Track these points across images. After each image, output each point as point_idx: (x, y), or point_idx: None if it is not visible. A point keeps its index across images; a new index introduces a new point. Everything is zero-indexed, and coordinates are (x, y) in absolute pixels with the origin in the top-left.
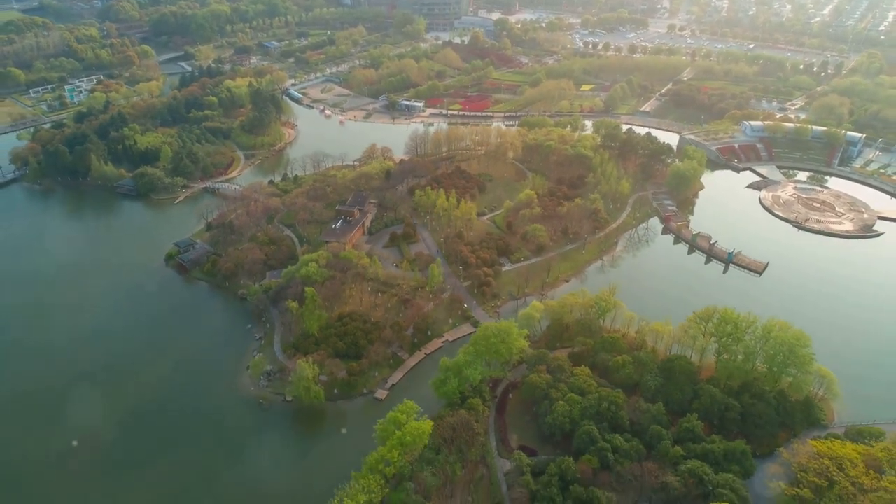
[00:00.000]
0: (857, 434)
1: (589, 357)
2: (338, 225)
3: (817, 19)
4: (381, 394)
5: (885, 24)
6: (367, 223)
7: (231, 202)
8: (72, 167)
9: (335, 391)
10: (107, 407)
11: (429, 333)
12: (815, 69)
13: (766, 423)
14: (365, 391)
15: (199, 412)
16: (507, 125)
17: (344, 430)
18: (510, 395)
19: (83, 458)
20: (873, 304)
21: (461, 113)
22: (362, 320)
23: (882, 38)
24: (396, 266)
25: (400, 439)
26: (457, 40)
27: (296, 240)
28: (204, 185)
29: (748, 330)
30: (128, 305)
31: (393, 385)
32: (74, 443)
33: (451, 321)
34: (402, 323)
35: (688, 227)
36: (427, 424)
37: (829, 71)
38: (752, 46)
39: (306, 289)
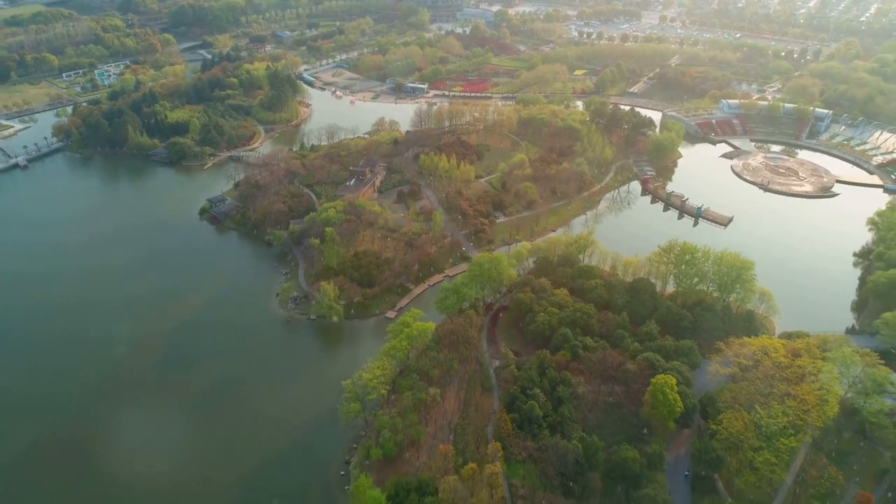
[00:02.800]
0: (787, 337)
1: (568, 282)
2: (351, 183)
3: (803, 11)
4: (391, 314)
5: (867, 15)
6: (378, 183)
7: (255, 166)
8: (110, 138)
9: (352, 312)
10: (160, 321)
11: (431, 270)
12: (795, 56)
13: (713, 329)
14: (377, 312)
15: (236, 329)
16: (504, 105)
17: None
18: (501, 315)
19: (145, 356)
20: (822, 248)
21: (462, 94)
22: (375, 257)
23: (863, 27)
24: (403, 216)
25: (407, 334)
26: (459, 30)
27: (314, 197)
28: (229, 154)
29: (703, 259)
30: (169, 248)
31: (401, 308)
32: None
33: (450, 260)
34: (409, 261)
35: (664, 188)
36: (430, 325)
37: (808, 58)
38: (738, 36)
39: (326, 229)
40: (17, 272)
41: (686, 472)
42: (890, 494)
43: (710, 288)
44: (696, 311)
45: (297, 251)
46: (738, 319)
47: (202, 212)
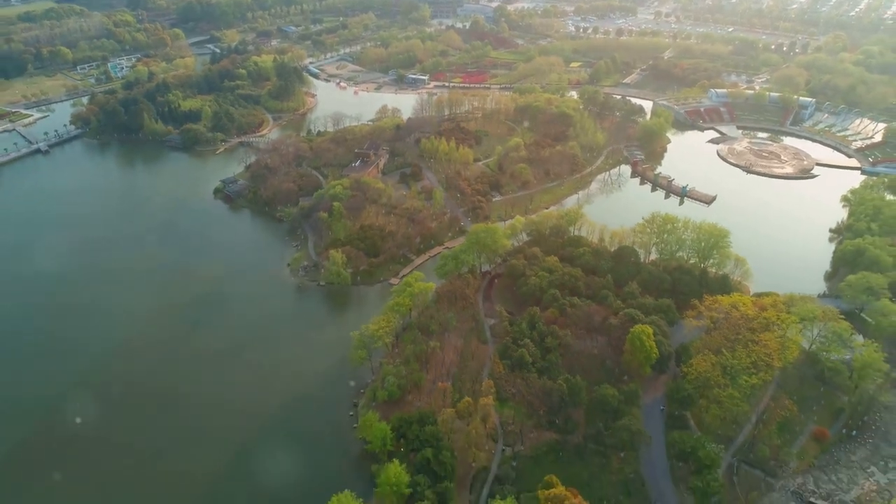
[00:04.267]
0: (757, 296)
1: (558, 250)
2: (357, 164)
3: (795, 6)
4: (394, 281)
5: (858, 10)
6: (381, 165)
7: (265, 151)
8: (126, 125)
9: (358, 279)
10: (181, 287)
11: (432, 242)
12: (784, 49)
13: (691, 291)
14: (381, 279)
15: (251, 295)
16: (501, 94)
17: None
18: (496, 281)
19: (168, 317)
20: (799, 224)
21: (462, 85)
22: (379, 230)
23: (852, 22)
24: (405, 195)
25: (410, 293)
26: (459, 25)
27: (321, 178)
28: (240, 140)
29: (683, 229)
30: (186, 224)
31: (403, 275)
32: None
33: (450, 234)
34: (411, 234)
35: (652, 170)
36: (430, 285)
37: (797, 50)
38: (731, 30)
39: (334, 203)
40: (46, 241)
41: (661, 407)
42: (844, 431)
43: (689, 255)
44: (676, 274)
45: (307, 225)
46: (714, 282)
47: (216, 191)
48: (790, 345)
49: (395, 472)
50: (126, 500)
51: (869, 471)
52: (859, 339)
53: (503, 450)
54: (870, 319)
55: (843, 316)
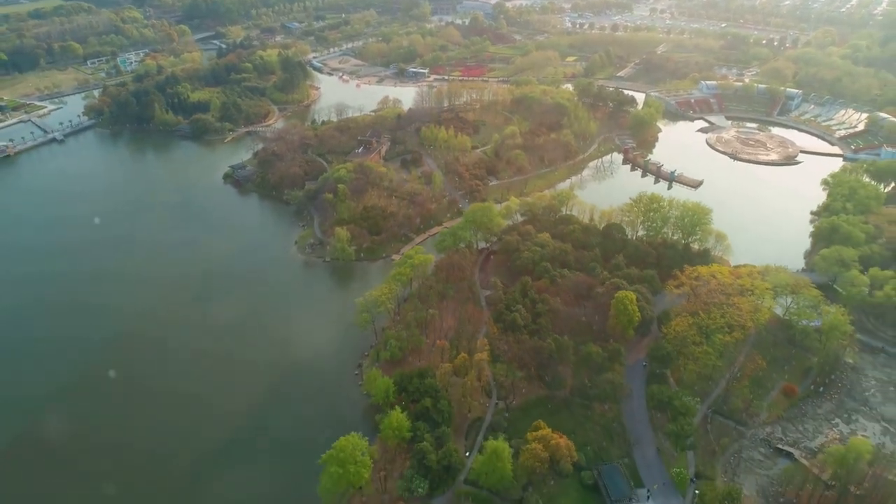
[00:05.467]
0: (735, 268)
1: (550, 228)
2: (360, 150)
3: (787, 2)
4: (395, 257)
5: (848, 6)
6: (383, 151)
7: (272, 140)
8: (137, 115)
9: (361, 255)
10: (194, 263)
11: (431, 222)
12: (775, 43)
13: (674, 264)
14: (384, 256)
15: (260, 270)
16: (499, 86)
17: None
18: (491, 257)
19: (183, 290)
20: (782, 207)
21: (461, 79)
22: (381, 210)
23: (843, 18)
24: (406, 179)
25: (411, 264)
26: (458, 22)
27: (326, 164)
28: (247, 130)
29: (668, 208)
30: (197, 206)
31: (404, 253)
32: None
33: (448, 215)
34: (412, 214)
35: (643, 157)
36: (430, 257)
37: (787, 45)
38: (723, 26)
39: (339, 185)
40: (71, 214)
41: (644, 363)
42: (812, 387)
43: (674, 231)
44: (660, 249)
45: (312, 207)
46: (696, 256)
47: (225, 177)
48: (762, 308)
49: (398, 418)
50: (169, 430)
51: (833, 422)
52: (831, 309)
53: (496, 403)
54: (841, 290)
55: (815, 286)
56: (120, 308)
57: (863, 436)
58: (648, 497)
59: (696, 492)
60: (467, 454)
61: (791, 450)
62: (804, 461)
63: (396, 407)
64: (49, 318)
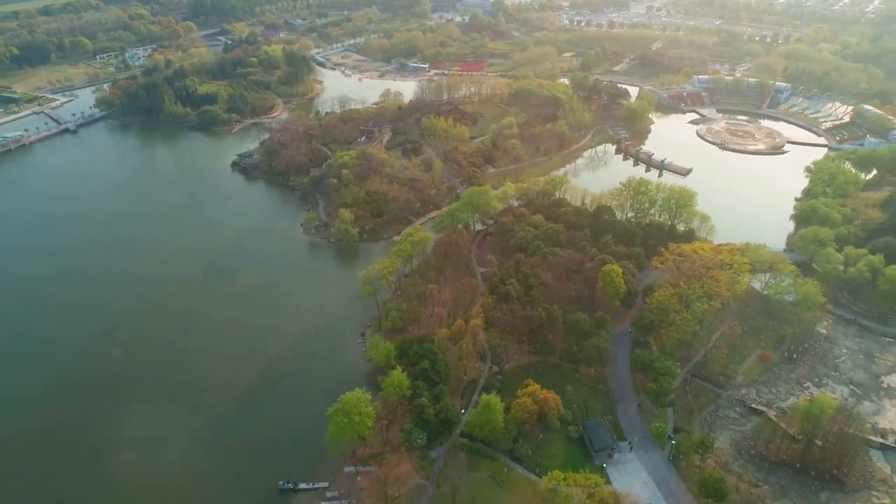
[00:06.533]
0: (717, 246)
1: (543, 210)
2: (362, 140)
3: (781, 0)
4: (396, 238)
5: (841, 4)
6: (384, 141)
7: (277, 130)
8: (147, 107)
9: (364, 236)
10: (205, 244)
11: (431, 207)
12: (767, 40)
13: (660, 242)
14: (385, 237)
15: (268, 250)
16: (497, 80)
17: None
18: (487, 238)
19: (194, 269)
20: (767, 194)
21: (460, 73)
22: (383, 195)
23: (836, 15)
24: (407, 167)
25: (411, 241)
26: (458, 19)
27: (329, 153)
28: (253, 121)
29: (655, 191)
30: (206, 192)
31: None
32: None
33: (447, 200)
34: (412, 199)
35: (635, 147)
36: (429, 235)
37: (780, 41)
38: (718, 23)
39: (342, 171)
40: (92, 194)
41: (629, 330)
42: (786, 354)
43: (661, 213)
44: (647, 229)
45: (317, 192)
46: (681, 236)
47: (233, 164)
48: (740, 281)
49: (398, 377)
50: (198, 377)
51: (805, 385)
52: (805, 282)
53: (490, 367)
54: (817, 267)
55: (794, 263)
56: (141, 276)
57: (832, 396)
58: (631, 448)
59: (673, 443)
60: (463, 411)
61: (764, 409)
62: (774, 418)
63: (397, 367)
64: (80, 284)
